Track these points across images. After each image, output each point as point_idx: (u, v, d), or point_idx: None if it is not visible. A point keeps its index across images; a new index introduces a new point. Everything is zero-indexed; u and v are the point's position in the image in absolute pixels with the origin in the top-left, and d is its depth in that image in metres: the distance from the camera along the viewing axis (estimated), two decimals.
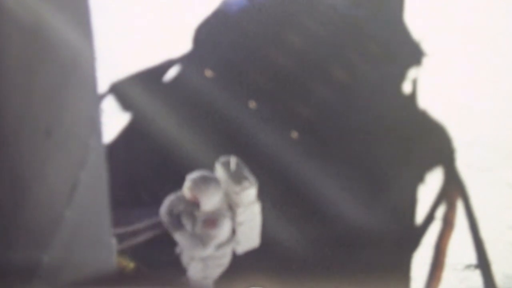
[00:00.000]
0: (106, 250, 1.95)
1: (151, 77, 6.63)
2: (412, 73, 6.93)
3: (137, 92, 6.38)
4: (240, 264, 4.31)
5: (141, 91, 6.38)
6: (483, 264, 4.82)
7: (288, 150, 5.76)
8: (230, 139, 5.65)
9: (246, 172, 4.00)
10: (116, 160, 4.09)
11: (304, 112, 6.31)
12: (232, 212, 3.96)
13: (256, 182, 4.02)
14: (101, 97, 6.08)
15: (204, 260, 4.02)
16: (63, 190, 1.53)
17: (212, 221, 3.83)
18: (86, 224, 1.71)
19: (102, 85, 6.12)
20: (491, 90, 6.67)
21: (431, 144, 6.04)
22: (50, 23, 1.38)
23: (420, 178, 5.58)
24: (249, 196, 3.95)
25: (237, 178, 3.93)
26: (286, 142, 5.88)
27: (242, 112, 6.15)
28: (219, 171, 4.03)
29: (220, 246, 3.98)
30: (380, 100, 6.53)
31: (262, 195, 4.44)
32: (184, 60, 6.91)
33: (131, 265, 4.48)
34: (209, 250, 3.89)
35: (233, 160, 4.01)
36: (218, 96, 6.31)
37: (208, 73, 6.72)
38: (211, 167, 4.10)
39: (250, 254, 4.26)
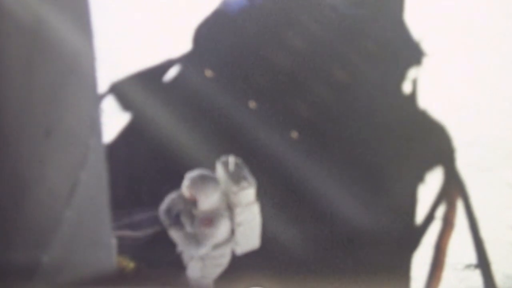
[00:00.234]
0: (106, 250, 1.95)
1: (151, 77, 6.64)
2: (412, 73, 6.93)
3: (137, 92, 6.38)
4: (240, 264, 4.31)
5: (141, 91, 6.38)
6: (483, 264, 4.82)
7: (288, 150, 5.76)
8: (230, 139, 5.65)
9: (246, 173, 3.99)
10: (116, 160, 4.10)
11: (304, 112, 6.31)
12: (231, 212, 3.95)
13: (255, 182, 4.01)
14: (101, 97, 6.08)
15: (202, 260, 4.02)
16: (63, 190, 1.53)
17: (209, 220, 3.83)
18: (86, 224, 1.70)
19: (102, 85, 6.13)
20: (491, 90, 6.67)
21: (431, 144, 6.04)
22: (50, 23, 1.38)
23: (420, 178, 5.58)
24: (247, 196, 3.94)
25: (235, 178, 3.93)
26: (286, 142, 5.88)
27: (242, 112, 6.15)
28: (219, 171, 4.03)
29: (218, 246, 3.98)
30: (380, 100, 6.53)
31: (262, 195, 4.44)
32: (184, 60, 6.91)
33: (131, 265, 4.48)
34: (204, 249, 3.89)
35: (231, 160, 4.01)
36: (218, 96, 6.31)
37: (208, 73, 6.72)
38: (211, 167, 4.10)
39: (250, 254, 4.26)
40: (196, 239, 3.85)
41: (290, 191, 5.37)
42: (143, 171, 5.52)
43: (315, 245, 4.91)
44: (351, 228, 5.03)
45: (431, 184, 5.53)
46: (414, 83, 6.79)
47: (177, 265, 4.22)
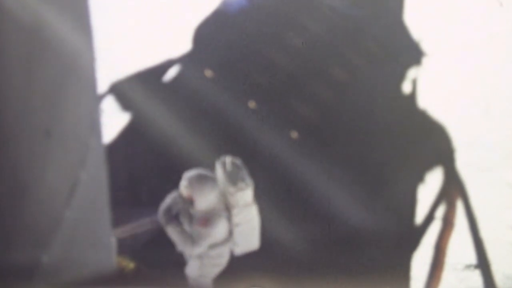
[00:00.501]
0: (106, 250, 1.95)
1: (151, 77, 6.64)
2: (412, 73, 6.93)
3: (137, 92, 6.38)
4: (240, 264, 4.31)
5: (141, 91, 6.38)
6: (483, 264, 4.82)
7: (288, 150, 5.76)
8: (230, 139, 5.65)
9: (244, 174, 3.99)
10: (116, 160, 4.10)
11: (304, 112, 6.31)
12: (228, 213, 3.96)
13: (253, 184, 4.01)
14: (101, 97, 6.08)
15: (201, 259, 4.03)
16: (63, 190, 1.53)
17: (205, 219, 3.84)
18: (86, 224, 1.71)
19: (102, 85, 6.13)
20: (491, 90, 6.67)
21: (431, 144, 6.04)
22: (50, 23, 1.38)
23: (420, 178, 5.58)
24: (244, 197, 3.93)
25: (233, 178, 3.93)
26: (286, 142, 5.88)
27: (241, 112, 6.15)
28: (218, 171, 4.03)
29: (215, 246, 3.98)
30: (380, 100, 6.53)
31: (262, 195, 4.44)
32: (184, 60, 6.91)
33: (131, 265, 4.48)
34: (200, 249, 3.89)
35: (228, 160, 4.01)
36: (217, 96, 6.31)
37: (208, 73, 6.72)
38: (210, 167, 4.11)
39: (250, 255, 4.26)
40: (192, 239, 3.85)
41: (290, 191, 5.37)
42: (143, 171, 5.52)
43: (315, 245, 4.91)
44: (351, 228, 5.03)
45: (431, 184, 5.53)
46: (414, 83, 6.79)
47: (177, 265, 4.22)
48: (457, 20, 7.68)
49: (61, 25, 1.43)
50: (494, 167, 5.70)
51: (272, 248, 4.71)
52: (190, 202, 3.89)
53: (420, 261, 4.85)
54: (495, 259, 4.85)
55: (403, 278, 4.73)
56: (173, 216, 3.92)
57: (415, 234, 5.08)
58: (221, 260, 4.08)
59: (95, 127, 1.75)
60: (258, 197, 4.29)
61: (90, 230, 1.77)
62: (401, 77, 6.87)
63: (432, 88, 6.69)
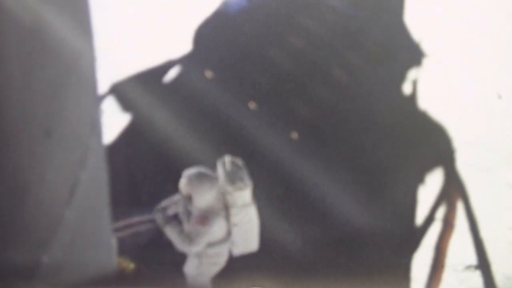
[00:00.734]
0: (106, 250, 1.95)
1: (151, 77, 6.64)
2: (412, 73, 6.93)
3: (137, 92, 6.38)
4: (240, 264, 4.31)
5: (141, 91, 6.38)
6: (483, 264, 4.82)
7: (288, 151, 5.76)
8: (230, 140, 5.65)
9: (243, 174, 3.99)
10: (116, 160, 4.10)
11: (304, 112, 6.31)
12: (227, 212, 3.96)
13: (252, 184, 4.01)
14: (101, 97, 6.08)
15: (199, 257, 4.03)
16: (63, 190, 1.53)
17: (203, 218, 3.84)
18: (86, 224, 1.70)
19: (102, 85, 6.13)
20: (491, 90, 6.67)
21: (431, 144, 6.04)
22: (50, 23, 1.38)
23: (420, 179, 5.58)
24: (242, 197, 3.93)
25: (231, 178, 3.93)
26: (286, 143, 5.88)
27: (242, 113, 6.15)
28: (219, 170, 4.03)
29: (213, 245, 3.98)
30: (380, 100, 6.53)
31: (262, 195, 4.44)
32: (184, 60, 6.91)
33: (131, 265, 4.48)
34: (198, 247, 3.89)
35: (229, 160, 4.01)
36: (217, 96, 6.31)
37: (208, 73, 6.72)
38: (211, 168, 4.11)
39: (250, 255, 4.25)
40: (190, 238, 3.86)
41: (290, 191, 5.37)
42: (143, 171, 5.52)
43: (315, 245, 4.91)
44: (351, 229, 5.03)
45: (431, 184, 5.53)
46: (414, 83, 6.79)
47: (177, 265, 4.22)
48: (457, 20, 7.68)
49: (61, 25, 1.43)
50: (494, 167, 5.70)
51: (272, 248, 4.71)
52: (188, 199, 3.91)
53: (421, 262, 4.85)
54: (495, 260, 4.85)
55: (403, 279, 4.73)
56: (171, 216, 3.93)
57: (415, 235, 5.08)
58: (219, 259, 4.08)
59: (95, 127, 1.75)
60: (258, 197, 4.29)
61: (90, 230, 1.77)
62: (401, 77, 6.87)
63: (432, 88, 6.69)
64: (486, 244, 4.98)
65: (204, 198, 3.84)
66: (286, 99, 6.45)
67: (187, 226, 3.93)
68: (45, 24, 1.36)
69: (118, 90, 6.31)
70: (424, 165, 5.73)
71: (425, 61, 7.10)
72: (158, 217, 3.92)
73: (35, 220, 1.42)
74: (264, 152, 5.61)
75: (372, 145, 5.96)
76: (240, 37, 7.31)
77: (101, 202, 1.85)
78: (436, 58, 7.12)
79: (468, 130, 6.11)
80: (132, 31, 7.24)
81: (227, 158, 4.02)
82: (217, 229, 3.90)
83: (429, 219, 5.20)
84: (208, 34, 7.34)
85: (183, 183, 3.88)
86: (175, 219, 3.94)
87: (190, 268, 4.12)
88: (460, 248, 4.96)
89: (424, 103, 6.49)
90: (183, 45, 7.12)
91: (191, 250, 3.91)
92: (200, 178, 3.85)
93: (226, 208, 3.96)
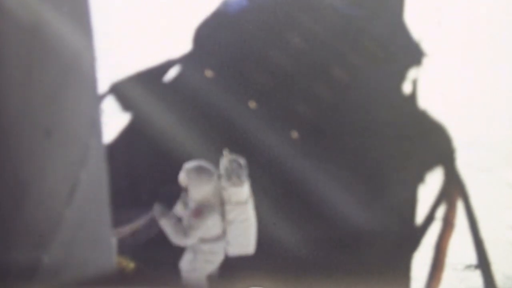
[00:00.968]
0: (106, 250, 1.95)
1: (151, 77, 6.64)
2: (412, 73, 6.93)
3: (137, 92, 6.38)
4: (240, 264, 4.31)
5: (141, 91, 6.38)
6: (483, 264, 4.82)
7: (288, 150, 5.76)
8: (230, 139, 5.65)
9: (242, 172, 4.00)
10: (116, 160, 4.10)
11: (304, 112, 6.31)
12: (222, 209, 3.97)
13: (249, 183, 4.01)
14: (101, 97, 6.08)
15: (194, 253, 4.06)
16: (63, 190, 1.53)
17: (198, 211, 3.87)
18: (86, 224, 1.70)
19: (102, 85, 6.13)
20: (491, 90, 6.67)
21: (431, 144, 6.04)
22: (50, 23, 1.38)
23: (420, 178, 5.58)
24: (237, 194, 3.94)
25: (229, 173, 3.95)
26: (286, 142, 5.88)
27: (242, 112, 6.15)
28: (221, 167, 4.06)
29: (207, 241, 4.00)
30: (380, 100, 6.53)
31: (262, 195, 4.44)
32: (184, 60, 6.91)
33: (131, 265, 4.48)
34: (191, 240, 3.91)
35: (231, 157, 4.03)
36: (218, 96, 6.31)
37: (208, 73, 6.72)
38: (213, 164, 4.12)
39: (251, 254, 4.26)
40: (184, 231, 3.88)
41: (290, 191, 5.37)
42: (143, 171, 5.52)
43: (315, 245, 4.91)
44: (351, 228, 5.03)
45: (431, 184, 5.53)
46: (414, 83, 6.79)
47: (177, 265, 4.22)
48: (457, 20, 7.68)
49: (61, 25, 1.43)
50: (494, 167, 5.70)
51: (272, 248, 4.71)
52: (186, 191, 3.94)
53: (421, 261, 4.85)
54: (495, 259, 4.85)
55: (403, 278, 4.73)
56: (168, 210, 3.95)
57: (416, 235, 5.08)
58: (214, 257, 4.09)
59: (95, 127, 1.75)
60: (258, 197, 4.29)
61: (90, 230, 1.77)
62: (401, 77, 6.87)
63: (432, 88, 6.69)
64: (486, 243, 4.98)
65: (200, 190, 3.87)
66: (286, 99, 6.46)
67: (183, 217, 3.97)
68: (45, 24, 1.36)
69: (118, 90, 6.31)
70: (424, 165, 5.73)
71: (425, 61, 7.10)
72: (155, 209, 3.94)
73: (35, 220, 1.42)
74: (264, 151, 5.61)
75: (372, 144, 5.96)
76: (240, 37, 7.31)
77: (101, 202, 1.85)
78: (436, 57, 7.12)
79: (468, 130, 6.11)
80: (132, 31, 7.24)
81: (230, 156, 4.04)
82: (211, 224, 3.92)
83: (429, 219, 5.20)
84: (208, 34, 7.33)
85: (182, 174, 3.92)
86: (170, 213, 3.96)
87: (185, 262, 4.15)
88: (460, 247, 4.96)
89: (424, 103, 6.49)
90: (183, 45, 7.12)
91: (184, 242, 3.93)
92: (198, 170, 3.88)
93: (221, 204, 3.97)
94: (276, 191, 5.29)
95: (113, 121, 5.92)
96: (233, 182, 3.90)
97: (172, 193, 4.24)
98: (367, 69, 6.93)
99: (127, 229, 4.38)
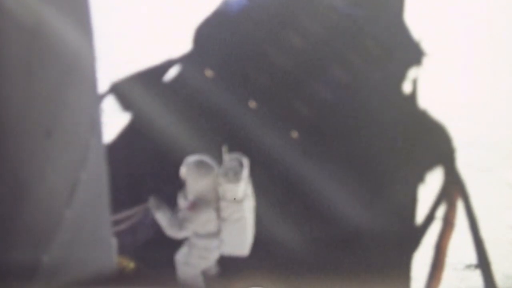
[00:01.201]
0: (106, 250, 1.95)
1: (151, 77, 6.64)
2: (412, 73, 6.93)
3: (137, 92, 6.38)
4: (240, 264, 4.31)
5: (141, 91, 6.38)
6: (483, 264, 4.82)
7: (288, 150, 5.76)
8: (230, 139, 5.65)
9: (240, 170, 4.00)
10: (116, 160, 4.10)
11: (304, 112, 6.31)
12: (217, 205, 3.99)
13: (245, 181, 4.01)
14: (102, 97, 6.08)
15: (189, 247, 4.08)
16: (63, 190, 1.53)
17: (194, 204, 3.89)
18: (86, 224, 1.70)
19: (102, 85, 6.13)
20: (491, 90, 6.67)
21: (431, 144, 6.04)
22: (50, 23, 1.38)
23: (420, 178, 5.58)
24: (232, 191, 3.95)
25: (226, 170, 3.96)
26: (286, 142, 5.88)
27: (242, 112, 6.15)
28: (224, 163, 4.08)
29: (202, 236, 4.02)
30: (380, 100, 6.53)
31: (262, 195, 4.44)
32: (184, 60, 6.91)
33: (131, 265, 4.48)
34: (184, 232, 3.93)
35: (233, 155, 4.04)
36: (218, 96, 6.31)
37: (208, 73, 6.72)
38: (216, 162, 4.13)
39: (250, 254, 4.26)
40: (179, 223, 3.89)
41: (290, 191, 5.37)
42: (143, 171, 5.52)
43: (315, 245, 4.91)
44: (351, 228, 5.03)
45: (431, 184, 5.53)
46: (414, 83, 6.79)
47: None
48: (457, 20, 7.68)
49: (61, 25, 1.43)
50: (494, 167, 5.70)
51: (272, 248, 4.71)
52: (184, 183, 3.95)
53: (421, 261, 4.85)
54: (495, 259, 4.85)
55: (403, 278, 4.73)
56: (163, 203, 3.97)
57: (416, 234, 5.08)
58: (207, 254, 4.10)
59: (95, 127, 1.75)
60: (258, 197, 4.29)
61: (90, 230, 1.77)
62: (401, 77, 6.87)
63: (432, 88, 6.69)
64: (486, 243, 4.98)
65: (197, 184, 3.89)
66: (286, 98, 6.46)
67: (181, 208, 3.99)
68: (45, 24, 1.36)
69: (118, 90, 6.31)
70: (424, 165, 5.73)
71: (425, 61, 7.09)
72: (151, 202, 3.95)
73: (35, 220, 1.42)
74: (264, 151, 5.61)
75: (372, 144, 5.96)
76: (240, 37, 7.31)
77: (101, 202, 1.85)
78: (436, 57, 7.12)
79: (468, 130, 6.11)
80: (132, 31, 7.24)
81: (234, 154, 4.05)
82: (205, 219, 3.93)
83: (429, 218, 5.20)
84: (208, 33, 7.33)
85: (182, 167, 3.95)
86: (166, 205, 3.97)
87: (180, 255, 4.18)
88: (460, 247, 4.96)
89: (424, 103, 6.49)
90: (183, 45, 7.12)
91: (179, 235, 3.94)
92: (197, 164, 3.90)
93: (218, 201, 3.99)
94: (275, 190, 5.29)
95: (113, 121, 5.92)
96: (229, 179, 3.91)
97: (172, 192, 4.24)
98: (367, 69, 6.93)
99: (122, 217, 4.38)
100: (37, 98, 1.38)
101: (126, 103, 6.18)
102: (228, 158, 4.02)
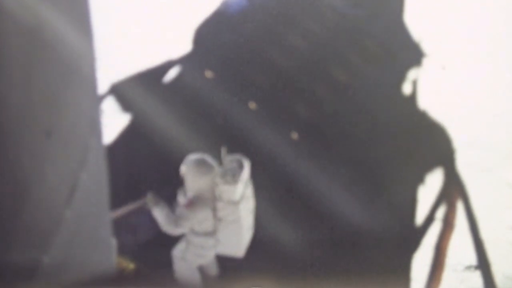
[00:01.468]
0: (106, 250, 1.95)
1: (151, 77, 6.64)
2: (412, 73, 6.93)
3: (137, 92, 6.38)
4: (240, 264, 4.31)
5: (141, 91, 6.38)
6: (483, 264, 4.82)
7: (288, 151, 5.76)
8: (230, 140, 5.65)
9: (239, 172, 4.01)
10: (116, 160, 4.10)
11: (304, 112, 6.31)
12: (214, 205, 3.99)
13: (243, 183, 4.02)
14: (101, 97, 6.08)
15: (187, 243, 4.09)
16: (63, 190, 1.53)
17: (191, 202, 3.90)
18: (86, 224, 1.70)
19: (102, 85, 6.13)
20: (491, 90, 6.67)
21: (431, 144, 6.04)
22: (50, 23, 1.38)
23: (420, 179, 5.58)
24: (229, 193, 3.95)
25: (224, 171, 3.97)
26: (286, 143, 5.88)
27: (242, 113, 6.15)
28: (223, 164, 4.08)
29: (198, 234, 4.03)
30: (380, 100, 6.53)
31: (262, 195, 4.44)
32: (184, 60, 6.91)
33: (131, 265, 4.48)
34: (181, 229, 3.95)
35: (233, 157, 4.04)
36: (218, 96, 6.31)
37: (208, 73, 6.72)
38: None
39: (250, 254, 4.26)
40: (176, 220, 3.90)
41: (290, 192, 5.37)
42: (143, 171, 5.52)
43: (315, 245, 4.91)
44: (351, 229, 5.03)
45: (431, 184, 5.53)
46: (414, 83, 6.79)
47: None
48: (457, 20, 7.68)
49: (61, 25, 1.43)
50: (494, 167, 5.70)
51: (272, 248, 4.71)
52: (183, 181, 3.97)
53: (421, 262, 4.85)
54: (495, 260, 4.85)
55: (403, 279, 4.73)
56: (160, 199, 3.97)
57: (415, 235, 5.08)
58: (204, 252, 4.12)
59: (95, 127, 1.75)
60: (258, 197, 4.29)
61: (90, 230, 1.77)
62: (401, 77, 6.87)
63: (432, 88, 6.69)
64: (486, 244, 4.98)
65: (196, 183, 3.90)
66: (286, 99, 6.46)
67: (180, 204, 4.01)
68: (45, 24, 1.36)
69: (118, 90, 6.31)
70: (424, 165, 5.73)
71: (425, 61, 7.09)
72: (148, 198, 3.95)
73: (35, 220, 1.42)
74: (264, 152, 5.61)
75: (372, 145, 5.96)
76: (240, 37, 7.31)
77: (101, 202, 1.85)
78: (436, 57, 7.12)
79: (468, 130, 6.11)
80: (132, 31, 7.24)
81: (235, 156, 4.05)
82: (202, 217, 3.94)
83: (429, 219, 5.20)
84: (208, 34, 7.33)
85: (183, 164, 3.96)
86: (164, 202, 3.98)
87: (177, 250, 4.21)
88: (460, 248, 4.96)
89: (424, 103, 6.49)
90: (183, 45, 7.12)
91: (175, 231, 3.95)
92: (198, 163, 3.91)
93: (214, 201, 4.00)
94: (275, 191, 5.29)
95: (113, 121, 5.92)
96: (226, 180, 3.93)
97: (172, 193, 4.24)
98: (367, 69, 6.93)
99: (119, 212, 4.38)
100: (37, 98, 1.38)
101: (126, 103, 6.18)
102: (229, 159, 4.03)
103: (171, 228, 3.92)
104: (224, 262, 4.44)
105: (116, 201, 2.18)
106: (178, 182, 4.07)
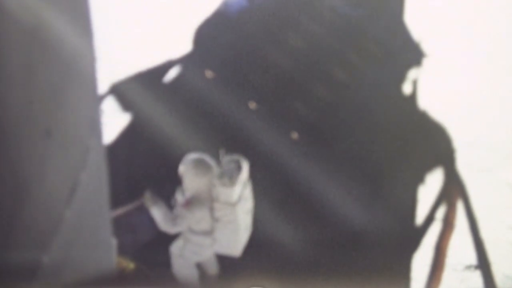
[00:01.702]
0: (106, 250, 1.95)
1: (151, 77, 6.64)
2: (412, 73, 6.93)
3: (137, 92, 6.38)
4: (240, 264, 4.31)
5: (141, 91, 6.38)
6: (483, 264, 4.82)
7: (288, 151, 5.76)
8: (230, 140, 5.65)
9: (236, 173, 4.01)
10: (116, 160, 4.10)
11: (304, 112, 6.31)
12: (211, 205, 4.00)
13: (241, 185, 4.02)
14: (102, 97, 6.08)
15: (184, 240, 4.10)
16: (63, 190, 1.53)
17: (188, 202, 3.92)
18: (86, 224, 1.70)
19: (102, 85, 6.13)
20: (491, 90, 6.67)
21: (431, 144, 6.04)
22: (50, 23, 1.38)
23: (420, 179, 5.57)
24: (225, 194, 3.96)
25: (222, 172, 3.98)
26: (286, 143, 5.88)
27: (242, 113, 6.15)
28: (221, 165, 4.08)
29: (196, 233, 4.04)
30: (380, 100, 6.53)
31: (262, 196, 4.44)
32: (184, 60, 6.91)
33: (131, 265, 4.48)
34: (178, 228, 3.96)
35: (232, 157, 4.04)
36: (218, 96, 6.31)
37: (208, 73, 6.72)
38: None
39: (250, 254, 4.26)
40: (174, 219, 3.90)
41: (289, 192, 5.37)
42: (143, 171, 5.52)
43: (315, 245, 4.91)
44: (351, 229, 5.03)
45: (431, 184, 5.53)
46: (414, 83, 6.78)
47: None
48: (457, 20, 7.68)
49: (61, 25, 1.43)
50: (494, 167, 5.70)
51: (272, 248, 4.71)
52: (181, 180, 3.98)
53: (421, 262, 4.85)
54: (495, 259, 4.85)
55: (403, 279, 4.73)
56: (160, 198, 3.98)
57: (415, 235, 5.08)
58: (201, 250, 4.13)
59: (95, 127, 1.75)
60: (258, 197, 4.29)
61: (90, 230, 1.77)
62: (401, 77, 6.87)
63: (432, 88, 6.69)
64: (486, 244, 4.98)
65: (193, 183, 3.91)
66: (286, 99, 6.45)
67: (178, 204, 4.02)
68: (45, 24, 1.36)
69: (118, 90, 6.31)
70: (424, 165, 5.73)
71: (425, 61, 7.09)
72: (146, 196, 3.95)
73: (35, 220, 1.42)
74: (264, 152, 5.61)
75: (372, 145, 5.96)
76: (240, 37, 7.31)
77: (101, 202, 1.85)
78: (436, 58, 7.12)
79: (468, 130, 6.11)
80: (132, 31, 7.24)
81: (233, 156, 4.06)
82: (199, 217, 3.95)
83: (429, 219, 5.20)
84: (208, 34, 7.33)
85: (181, 164, 3.97)
86: (162, 201, 3.99)
87: (175, 247, 4.21)
88: (460, 248, 4.96)
89: (424, 103, 6.49)
90: (184, 45, 7.12)
91: (173, 230, 3.96)
92: (196, 163, 3.92)
93: (211, 201, 4.00)
94: (275, 191, 5.29)
95: (113, 121, 5.92)
96: (223, 182, 3.93)
97: (172, 193, 4.24)
98: (367, 69, 6.93)
99: (119, 212, 4.39)
100: (37, 98, 1.38)
101: (126, 103, 6.18)
102: (227, 160, 4.02)
103: (169, 226, 3.94)
104: (224, 262, 4.44)
105: (116, 201, 2.18)
106: (177, 183, 4.07)
